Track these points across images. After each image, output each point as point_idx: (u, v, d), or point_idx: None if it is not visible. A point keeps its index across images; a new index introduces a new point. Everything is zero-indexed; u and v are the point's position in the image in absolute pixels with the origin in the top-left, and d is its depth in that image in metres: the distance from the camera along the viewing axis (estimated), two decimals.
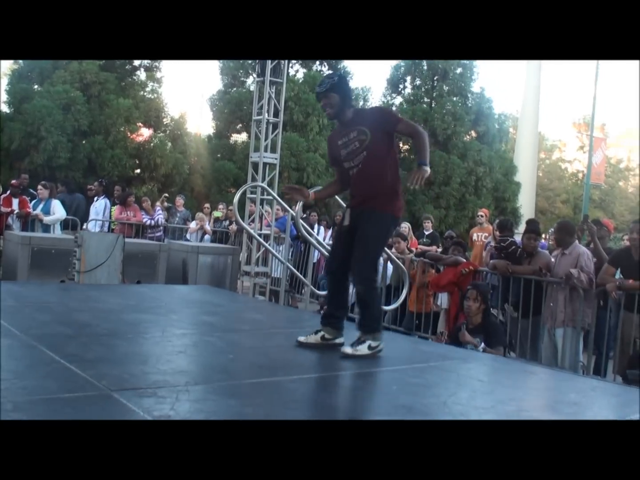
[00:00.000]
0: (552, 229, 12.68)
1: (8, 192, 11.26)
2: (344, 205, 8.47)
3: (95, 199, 12.50)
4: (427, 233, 11.78)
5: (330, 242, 10.15)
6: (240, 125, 20.33)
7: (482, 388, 4.10)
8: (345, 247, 4.51)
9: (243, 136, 20.90)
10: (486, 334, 6.24)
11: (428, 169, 4.30)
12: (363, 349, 4.39)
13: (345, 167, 4.53)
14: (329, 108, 4.49)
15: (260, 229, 9.96)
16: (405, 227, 11.12)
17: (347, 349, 4.41)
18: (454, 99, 22.09)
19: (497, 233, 8.98)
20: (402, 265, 8.49)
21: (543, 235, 13.90)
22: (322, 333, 4.61)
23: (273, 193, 9.01)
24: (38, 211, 10.92)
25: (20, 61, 19.22)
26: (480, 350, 6.01)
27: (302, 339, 4.63)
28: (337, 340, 4.61)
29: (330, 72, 5.09)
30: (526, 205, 27.40)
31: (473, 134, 23.13)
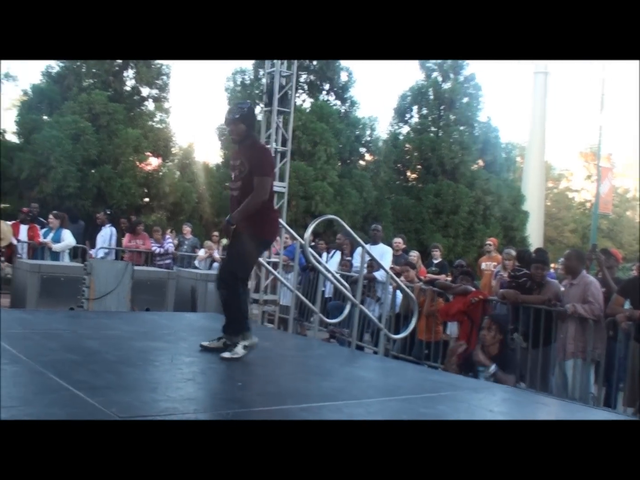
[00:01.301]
0: (561, 258, 12.64)
1: (18, 219, 11.38)
2: (352, 232, 8.51)
3: (102, 228, 12.56)
4: (435, 262, 11.74)
5: (339, 269, 10.16)
6: None
7: (492, 419, 4.06)
8: None
9: None
10: (501, 363, 6.20)
11: (228, 221, 4.79)
12: (239, 351, 4.75)
13: (230, 186, 5.02)
14: (236, 135, 4.90)
15: (269, 257, 9.95)
16: (414, 255, 11.10)
17: (225, 354, 4.74)
18: (461, 128, 22.15)
19: (511, 263, 8.96)
20: (411, 293, 8.45)
21: (552, 265, 13.85)
22: (223, 340, 4.91)
23: (282, 222, 9.01)
24: (48, 239, 11.00)
25: (30, 92, 19.40)
26: (490, 372, 6.00)
27: (205, 343, 4.97)
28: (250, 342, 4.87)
29: (243, 101, 5.32)
30: (534, 234, 27.38)
31: (480, 163, 23.14)
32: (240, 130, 4.83)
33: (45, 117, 18.60)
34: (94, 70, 19.23)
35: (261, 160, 4.88)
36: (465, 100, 22.69)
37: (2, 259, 9.76)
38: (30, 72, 50.74)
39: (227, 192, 18.70)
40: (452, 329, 8.25)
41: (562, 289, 7.43)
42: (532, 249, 13.93)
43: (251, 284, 10.07)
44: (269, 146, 10.08)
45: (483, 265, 11.38)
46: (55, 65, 19.56)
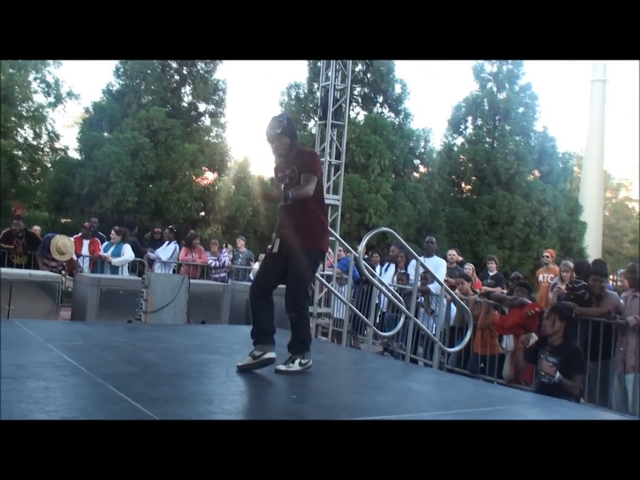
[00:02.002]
0: (621, 270, 12.37)
1: (79, 233, 11.71)
2: (405, 245, 8.50)
3: (167, 243, 12.76)
4: (491, 274, 11.62)
5: (396, 282, 10.13)
6: None
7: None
8: (272, 271, 4.90)
9: None
10: (565, 358, 6.09)
11: (285, 196, 4.68)
12: (295, 366, 4.76)
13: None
14: (281, 150, 4.82)
15: (323, 270, 10.00)
16: (469, 268, 11.01)
17: (281, 367, 4.72)
18: (517, 138, 21.90)
19: (568, 274, 8.82)
20: (465, 306, 8.39)
21: (610, 276, 13.59)
22: (253, 352, 4.75)
23: (335, 234, 9.04)
24: (108, 253, 11.27)
25: (91, 110, 19.93)
26: (556, 381, 5.93)
27: (240, 364, 4.75)
28: (268, 355, 4.73)
29: (280, 114, 5.15)
30: (593, 245, 26.85)
31: (536, 173, 22.82)
32: (285, 143, 4.79)
33: (105, 134, 19.09)
34: (152, 87, 19.66)
35: (309, 161, 4.83)
36: (520, 110, 22.43)
37: (64, 272, 10.04)
38: (92, 90, 52.15)
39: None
40: (509, 342, 8.14)
41: (622, 301, 7.28)
42: (590, 260, 13.66)
43: None
44: (322, 159, 10.17)
45: (540, 277, 11.22)
46: (115, 83, 20.10)
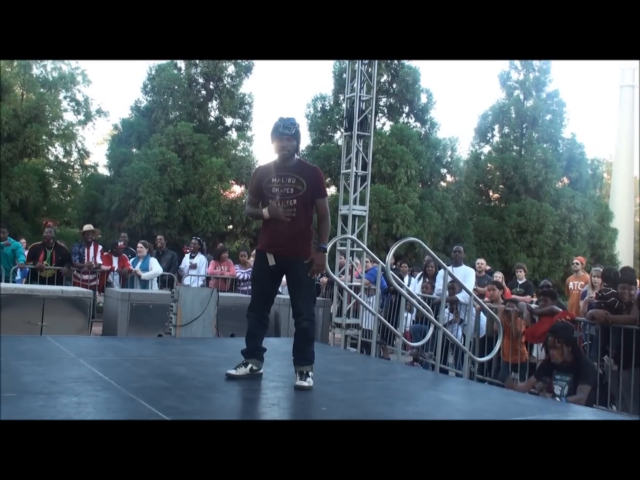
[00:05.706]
0: None
1: (110, 250, 11.83)
2: (433, 254, 8.46)
3: (191, 255, 12.82)
4: (520, 282, 11.53)
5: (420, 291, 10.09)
6: (329, 179, 20.60)
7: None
8: (268, 289, 5.04)
9: (332, 190, 21.17)
10: (576, 372, 6.10)
11: (326, 254, 4.88)
12: (311, 380, 4.77)
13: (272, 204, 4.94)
14: (287, 151, 4.84)
15: (351, 281, 10.00)
16: (498, 276, 10.95)
17: (304, 384, 4.71)
18: (544, 145, 21.73)
19: (600, 281, 8.73)
20: (494, 314, 8.33)
21: None
22: (250, 365, 4.93)
23: (363, 245, 9.06)
24: (137, 268, 11.38)
25: (120, 126, 20.16)
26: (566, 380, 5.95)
27: (232, 372, 4.88)
28: (261, 370, 5.05)
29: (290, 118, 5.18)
30: (624, 252, 26.48)
31: (565, 180, 22.61)
32: (292, 146, 4.86)
33: (134, 150, 19.29)
34: (179, 103, 19.83)
35: (322, 182, 4.99)
36: (548, 117, 22.26)
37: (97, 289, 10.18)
38: (121, 107, 52.78)
39: None
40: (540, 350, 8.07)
41: None
42: (622, 267, 13.49)
43: (333, 307, 10.16)
44: (348, 170, 10.20)
45: (571, 285, 11.12)
46: (143, 100, 20.33)
